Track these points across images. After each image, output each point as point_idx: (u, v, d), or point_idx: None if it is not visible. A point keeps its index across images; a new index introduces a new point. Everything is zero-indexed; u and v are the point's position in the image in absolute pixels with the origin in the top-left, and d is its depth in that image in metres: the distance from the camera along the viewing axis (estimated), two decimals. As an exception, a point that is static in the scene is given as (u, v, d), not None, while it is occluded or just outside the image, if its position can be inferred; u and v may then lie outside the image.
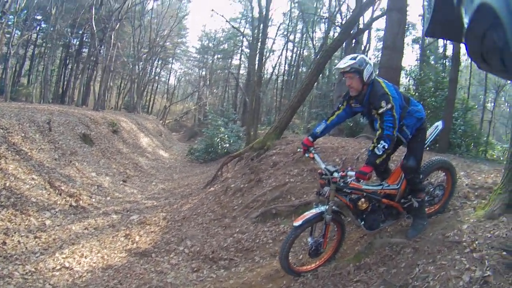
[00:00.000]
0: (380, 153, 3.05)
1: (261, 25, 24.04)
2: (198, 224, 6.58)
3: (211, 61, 44.13)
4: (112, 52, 21.17)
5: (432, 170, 3.82)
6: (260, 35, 23.72)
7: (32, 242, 5.59)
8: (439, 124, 3.84)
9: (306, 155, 3.55)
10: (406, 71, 14.97)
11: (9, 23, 23.14)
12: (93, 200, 8.69)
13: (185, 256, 5.34)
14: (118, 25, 20.36)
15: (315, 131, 3.59)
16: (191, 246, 5.62)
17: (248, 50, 29.91)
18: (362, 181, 3.23)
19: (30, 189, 7.42)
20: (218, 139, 17.63)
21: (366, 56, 3.65)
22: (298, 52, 34.92)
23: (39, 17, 28.33)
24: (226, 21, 27.71)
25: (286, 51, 36.87)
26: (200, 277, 4.69)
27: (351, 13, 16.03)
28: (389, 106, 3.09)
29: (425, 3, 19.20)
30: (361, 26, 16.95)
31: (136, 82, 28.85)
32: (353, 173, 3.14)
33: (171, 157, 19.94)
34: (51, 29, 22.53)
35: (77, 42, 29.02)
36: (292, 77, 33.80)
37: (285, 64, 37.46)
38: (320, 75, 23.31)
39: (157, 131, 25.10)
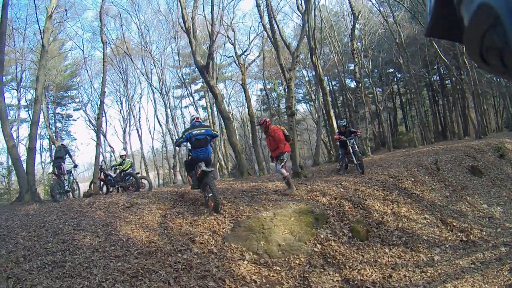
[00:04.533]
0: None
1: None
2: None
3: None
4: (473, 74, 19.94)
5: None
6: None
7: (417, 276, 6.19)
8: None
9: None
10: None
11: (367, 85, 27.62)
12: (484, 233, 8.31)
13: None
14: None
15: None
16: None
17: None
18: None
19: (422, 228, 8.16)
20: None
21: None
22: None
23: (391, 70, 31.93)
24: None
25: None
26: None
27: None
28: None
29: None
30: None
31: (508, 96, 25.03)
32: None
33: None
34: (407, 75, 24.69)
35: (437, 77, 29.64)
36: None
37: None
38: None
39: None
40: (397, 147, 24.45)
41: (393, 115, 33.52)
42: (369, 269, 6.33)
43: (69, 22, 23.19)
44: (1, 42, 9.50)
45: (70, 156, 11.45)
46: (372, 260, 6.67)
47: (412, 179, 10.36)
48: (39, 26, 13.19)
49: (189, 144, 7.68)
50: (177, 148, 27.53)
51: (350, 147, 10.51)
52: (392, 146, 24.82)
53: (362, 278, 6.05)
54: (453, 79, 23.70)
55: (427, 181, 10.55)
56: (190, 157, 7.82)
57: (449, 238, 8.04)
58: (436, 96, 31.01)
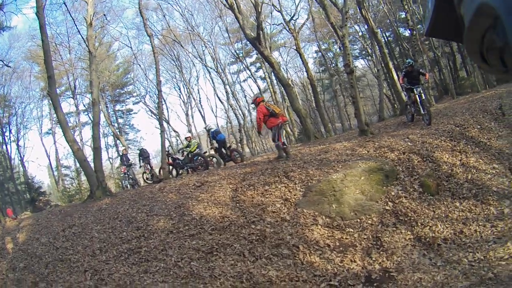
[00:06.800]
0: None
1: None
2: None
3: None
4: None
5: None
6: None
7: (487, 231, 5.75)
8: None
9: None
10: None
11: (421, 32, 24.87)
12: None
13: None
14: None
15: None
16: None
17: None
18: None
19: (491, 179, 7.47)
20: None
21: None
22: None
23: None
24: None
25: None
26: None
27: None
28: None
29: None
30: None
31: None
32: None
33: None
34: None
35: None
36: None
37: None
38: None
39: None
40: (460, 94, 22.45)
41: (452, 60, 30.63)
42: (441, 225, 6.07)
43: (111, 25, 24.10)
44: (47, 58, 10.15)
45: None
46: (443, 215, 6.35)
47: (478, 126, 9.45)
48: (81, 36, 13.66)
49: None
50: (241, 122, 29.61)
51: (417, 96, 9.86)
52: (455, 93, 22.98)
53: (433, 235, 5.83)
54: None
55: (493, 127, 9.60)
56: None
57: (520, 190, 7.30)
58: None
